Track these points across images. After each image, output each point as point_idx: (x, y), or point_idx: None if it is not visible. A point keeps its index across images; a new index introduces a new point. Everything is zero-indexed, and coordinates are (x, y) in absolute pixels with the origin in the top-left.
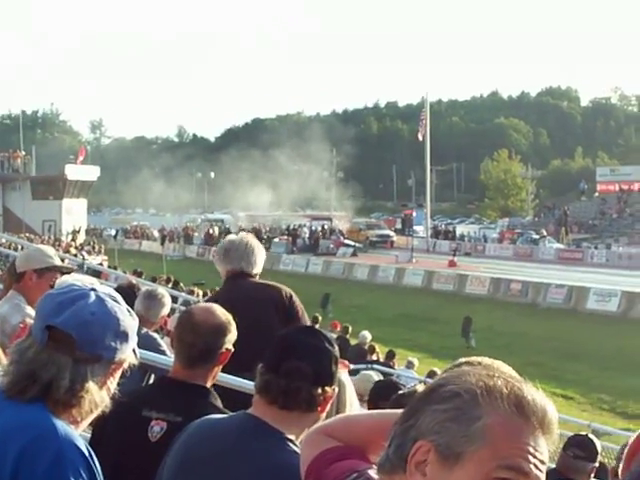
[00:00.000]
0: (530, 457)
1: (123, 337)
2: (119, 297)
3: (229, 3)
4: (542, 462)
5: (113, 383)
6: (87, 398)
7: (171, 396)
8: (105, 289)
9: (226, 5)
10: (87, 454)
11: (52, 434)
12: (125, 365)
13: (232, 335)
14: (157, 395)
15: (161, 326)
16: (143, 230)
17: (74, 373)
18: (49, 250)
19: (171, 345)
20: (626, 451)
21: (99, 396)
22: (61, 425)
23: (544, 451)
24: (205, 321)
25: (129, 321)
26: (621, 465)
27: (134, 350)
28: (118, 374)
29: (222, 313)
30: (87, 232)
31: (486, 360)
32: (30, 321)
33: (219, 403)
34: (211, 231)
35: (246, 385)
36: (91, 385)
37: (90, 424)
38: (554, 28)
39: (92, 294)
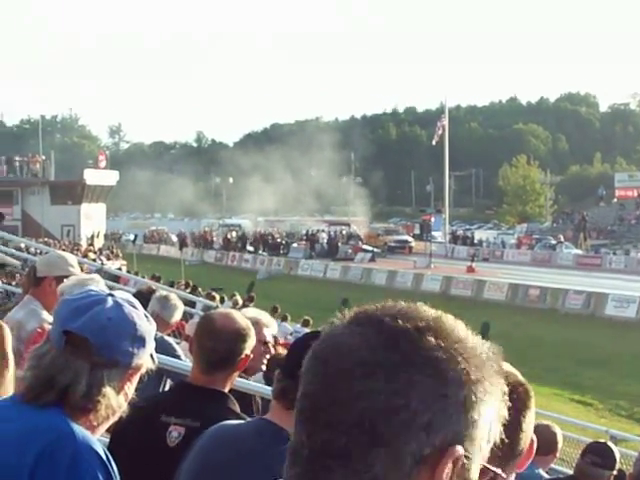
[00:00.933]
0: None
1: (140, 342)
2: (137, 302)
3: (247, 6)
4: None
5: (131, 388)
6: (104, 403)
7: (189, 401)
8: (122, 294)
9: (244, 9)
10: (104, 457)
11: (70, 437)
12: (143, 370)
13: (252, 341)
14: (175, 400)
15: (179, 331)
16: (161, 235)
17: (91, 378)
18: (71, 259)
19: (190, 350)
20: None
21: (116, 401)
22: (78, 429)
23: None
24: (225, 327)
25: (146, 326)
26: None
27: (152, 355)
28: (136, 379)
29: (241, 319)
30: (106, 237)
31: None
32: (48, 326)
33: (237, 408)
34: (229, 236)
35: (260, 389)
36: (108, 390)
37: (108, 429)
38: (573, 34)
39: (109, 299)
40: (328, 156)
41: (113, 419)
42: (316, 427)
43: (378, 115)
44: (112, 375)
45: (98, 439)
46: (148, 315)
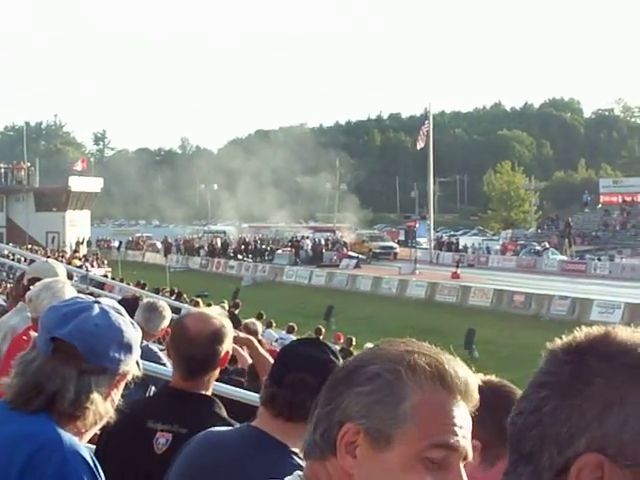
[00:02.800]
0: (457, 430)
1: (127, 349)
2: (122, 309)
3: (230, 13)
4: (468, 431)
5: (117, 395)
6: (91, 409)
7: (175, 407)
8: (109, 301)
9: (228, 15)
10: (92, 464)
11: (57, 444)
12: (129, 377)
13: (229, 338)
14: (161, 406)
15: (164, 338)
16: (146, 241)
17: (79, 385)
18: (59, 267)
19: (168, 356)
20: None
21: (103, 407)
22: (66, 435)
23: (468, 418)
24: (200, 331)
25: (133, 333)
26: None
27: (137, 362)
28: (122, 386)
29: (215, 319)
30: (93, 244)
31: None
32: (34, 334)
33: (224, 412)
34: (214, 243)
35: (246, 396)
36: (95, 396)
37: (95, 437)
38: (557, 39)
39: (96, 306)
40: (313, 162)
41: (99, 425)
42: None
43: (363, 121)
44: (100, 382)
45: (85, 445)
46: (134, 322)
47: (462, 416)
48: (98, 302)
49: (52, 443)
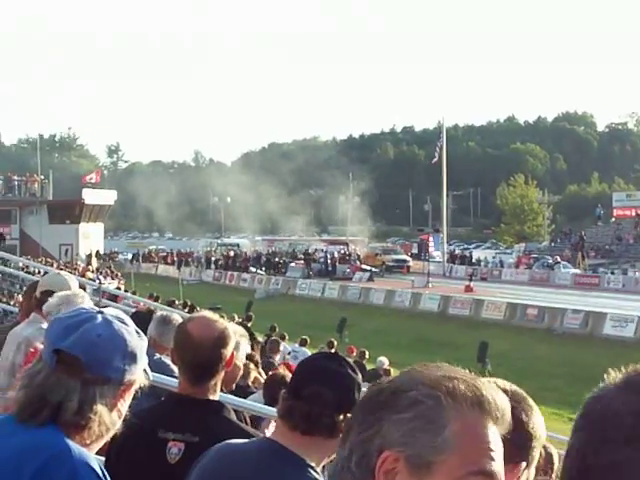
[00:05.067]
0: (494, 456)
1: (131, 358)
2: (127, 318)
3: (245, 26)
4: (501, 456)
5: (124, 405)
6: (97, 420)
7: (184, 415)
8: (113, 311)
9: (242, 29)
10: (101, 474)
11: (66, 455)
12: (136, 386)
13: (232, 341)
14: (170, 415)
15: None
16: (159, 254)
17: (83, 395)
18: (72, 280)
19: (172, 362)
20: None
21: (109, 418)
22: (74, 446)
23: (501, 443)
24: (203, 337)
25: (137, 342)
26: None
27: (145, 371)
28: (129, 396)
29: (218, 322)
30: (101, 256)
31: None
32: (41, 346)
33: (233, 416)
34: (228, 255)
35: (253, 407)
36: (100, 407)
37: (104, 448)
38: (571, 53)
39: (99, 317)
40: (326, 175)
41: (107, 437)
42: None
43: (376, 134)
44: (104, 392)
45: (94, 457)
46: (140, 331)
47: (497, 441)
48: (102, 312)
49: (61, 454)
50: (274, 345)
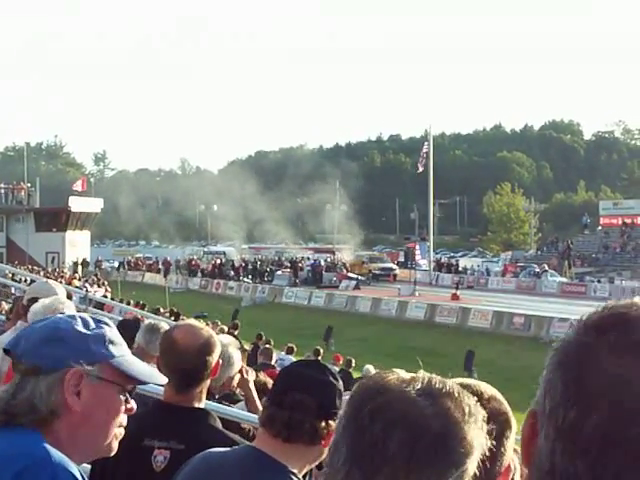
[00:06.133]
0: None
1: (60, 344)
2: (82, 315)
3: (230, 33)
4: None
5: (86, 391)
6: (43, 408)
7: (170, 422)
8: (85, 314)
9: (228, 36)
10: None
11: (45, 460)
12: (87, 375)
13: (218, 348)
14: (156, 422)
15: None
16: (145, 262)
17: (20, 388)
18: (59, 288)
19: (158, 369)
20: None
21: (47, 402)
22: (54, 451)
23: None
24: (188, 344)
25: (70, 330)
26: None
27: (113, 361)
28: (85, 384)
29: (203, 330)
30: (87, 264)
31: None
32: None
33: (219, 424)
34: (215, 264)
35: (239, 415)
36: (39, 395)
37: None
38: (557, 62)
39: (50, 317)
40: (313, 184)
41: (91, 427)
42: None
43: (363, 143)
44: (40, 381)
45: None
46: (83, 316)
47: None
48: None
49: (41, 460)
50: (268, 352)
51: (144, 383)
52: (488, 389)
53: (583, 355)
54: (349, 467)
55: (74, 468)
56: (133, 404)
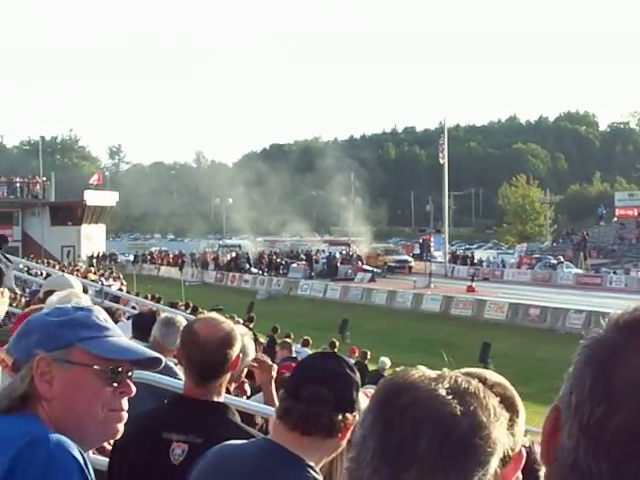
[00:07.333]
0: None
1: (28, 335)
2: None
3: (248, 26)
4: None
5: (59, 379)
6: (15, 397)
7: (189, 416)
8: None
9: (242, 29)
10: (81, 460)
11: (43, 441)
12: (54, 360)
13: (239, 342)
14: (175, 416)
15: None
16: (161, 255)
17: (15, 379)
18: (75, 281)
19: (178, 362)
20: None
21: (21, 392)
22: (53, 433)
23: None
24: (210, 336)
25: (38, 319)
26: None
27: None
28: (54, 370)
29: (225, 323)
30: (103, 257)
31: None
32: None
33: (238, 418)
34: (229, 257)
35: (256, 408)
36: (16, 387)
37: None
38: (572, 53)
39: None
40: (327, 176)
41: (74, 411)
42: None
43: (377, 135)
44: (25, 373)
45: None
46: (67, 307)
47: None
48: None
49: (38, 441)
50: (288, 346)
51: (120, 361)
52: (493, 376)
53: (613, 354)
54: (377, 463)
55: (74, 448)
56: (131, 386)
